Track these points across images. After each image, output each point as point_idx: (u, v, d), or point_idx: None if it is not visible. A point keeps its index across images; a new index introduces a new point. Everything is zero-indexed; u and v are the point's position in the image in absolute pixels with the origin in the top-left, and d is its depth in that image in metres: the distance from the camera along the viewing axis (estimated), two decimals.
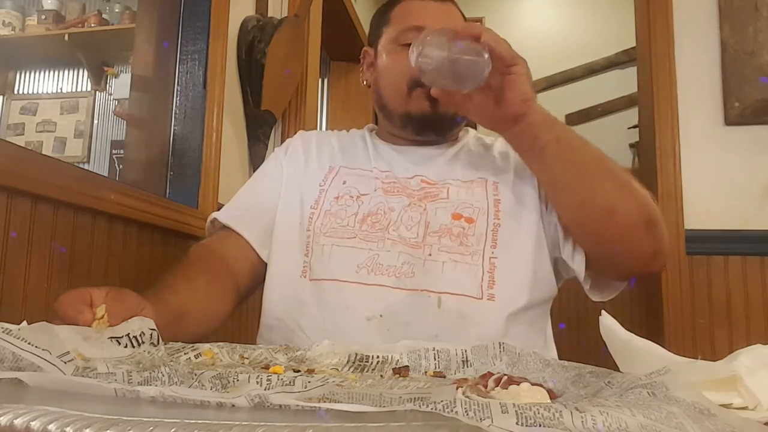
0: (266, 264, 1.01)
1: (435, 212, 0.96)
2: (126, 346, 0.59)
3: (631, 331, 0.53)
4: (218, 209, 1.41)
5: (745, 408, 0.42)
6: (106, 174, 2.77)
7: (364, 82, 1.12)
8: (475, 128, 1.17)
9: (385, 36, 1.07)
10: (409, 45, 1.00)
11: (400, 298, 0.89)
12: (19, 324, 0.56)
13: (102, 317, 0.62)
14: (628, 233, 0.87)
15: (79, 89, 3.04)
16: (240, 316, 1.06)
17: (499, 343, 0.61)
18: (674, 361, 0.47)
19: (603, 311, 0.52)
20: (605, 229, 0.88)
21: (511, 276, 0.92)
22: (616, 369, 0.49)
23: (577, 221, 0.92)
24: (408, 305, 0.89)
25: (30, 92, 3.09)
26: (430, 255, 0.92)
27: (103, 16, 2.87)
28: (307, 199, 1.02)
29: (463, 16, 1.09)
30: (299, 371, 0.55)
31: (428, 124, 1.02)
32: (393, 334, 0.86)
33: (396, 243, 0.93)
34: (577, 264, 0.93)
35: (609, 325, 0.52)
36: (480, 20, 4.00)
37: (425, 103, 0.99)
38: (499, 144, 1.07)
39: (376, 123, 1.18)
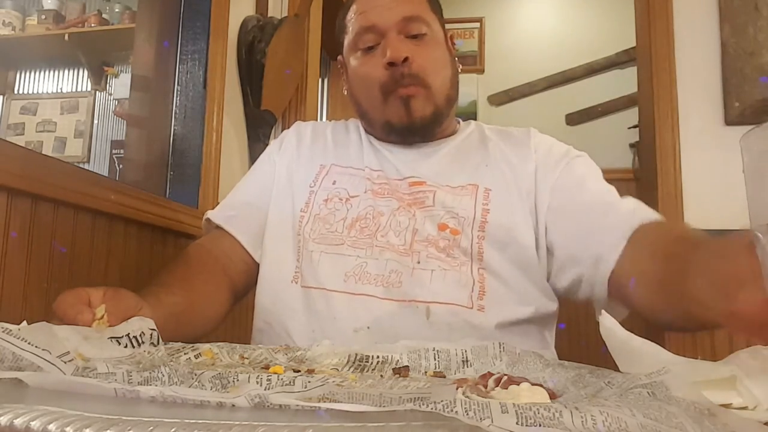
0: (259, 265, 1.01)
1: (423, 222, 0.93)
2: (126, 346, 0.59)
3: (631, 331, 0.53)
4: None
5: (744, 408, 0.42)
6: (106, 174, 2.77)
7: (344, 92, 1.09)
8: (475, 118, 1.14)
9: (345, 44, 1.03)
10: (366, 48, 0.98)
11: (388, 309, 0.87)
12: (19, 324, 0.56)
13: (102, 317, 0.62)
14: None
15: (79, 89, 3.05)
16: (238, 318, 1.06)
17: (499, 343, 0.61)
18: (674, 361, 0.47)
19: (603, 311, 0.52)
20: None
21: (501, 290, 0.90)
22: (616, 369, 0.49)
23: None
24: (395, 317, 0.87)
25: (30, 92, 3.09)
26: (418, 263, 0.90)
27: (103, 15, 2.87)
28: (297, 201, 1.00)
29: None
30: (299, 371, 0.55)
31: (408, 130, 0.99)
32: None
33: (384, 250, 0.91)
34: (617, 315, 0.89)
35: (608, 325, 0.51)
36: (480, 20, 4.00)
37: (401, 110, 0.96)
38: (497, 143, 1.03)
39: None
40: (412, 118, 0.97)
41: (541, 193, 0.96)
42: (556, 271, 0.94)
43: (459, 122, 1.10)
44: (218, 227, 1.02)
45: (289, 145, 1.08)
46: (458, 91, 1.05)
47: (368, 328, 0.87)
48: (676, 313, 0.71)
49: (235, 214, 1.03)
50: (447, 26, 1.07)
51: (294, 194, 1.02)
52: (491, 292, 0.89)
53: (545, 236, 0.94)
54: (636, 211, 0.88)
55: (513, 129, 1.07)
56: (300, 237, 0.97)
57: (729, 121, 1.87)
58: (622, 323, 0.53)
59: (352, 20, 1.01)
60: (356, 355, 0.63)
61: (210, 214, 1.04)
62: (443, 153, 1.02)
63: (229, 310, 0.98)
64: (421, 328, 0.86)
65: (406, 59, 0.94)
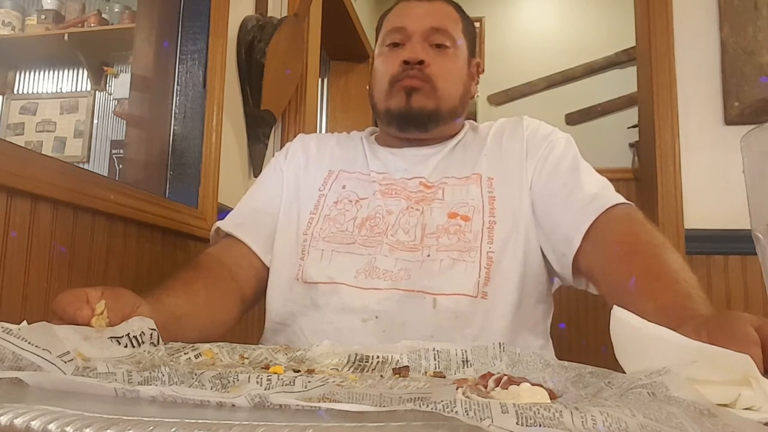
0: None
1: (431, 213, 0.96)
2: (126, 346, 0.59)
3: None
4: (218, 209, 1.41)
5: (749, 408, 0.42)
6: (106, 174, 2.77)
7: (367, 87, 1.14)
8: (475, 119, 1.17)
9: (378, 40, 1.10)
10: (393, 46, 1.05)
11: (396, 299, 0.90)
12: (19, 324, 0.56)
13: (102, 313, 0.62)
14: None
15: (78, 89, 3.04)
16: (242, 318, 1.06)
17: (499, 343, 0.61)
18: (692, 347, 0.46)
19: (615, 306, 0.52)
20: None
21: (507, 271, 0.92)
22: (616, 369, 0.49)
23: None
24: (403, 306, 0.89)
25: (30, 92, 3.09)
26: (428, 256, 0.92)
27: (103, 15, 2.87)
28: (306, 204, 1.03)
29: (461, 12, 1.09)
30: (299, 371, 0.55)
31: (406, 118, 1.02)
32: (388, 335, 0.87)
33: (394, 249, 0.93)
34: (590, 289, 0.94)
35: (621, 316, 0.51)
36: (480, 20, 4.00)
37: (402, 97, 1.01)
38: (491, 134, 1.06)
39: (376, 124, 1.19)
40: (410, 106, 1.01)
41: (528, 171, 1.00)
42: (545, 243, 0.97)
43: (464, 124, 1.13)
44: (227, 235, 1.03)
45: (295, 155, 1.11)
46: (465, 110, 1.09)
47: (376, 317, 0.89)
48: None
49: (244, 221, 1.05)
50: None
51: (301, 199, 1.04)
52: (496, 276, 0.91)
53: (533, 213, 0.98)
54: (597, 197, 0.91)
55: (505, 119, 1.11)
56: (307, 236, 0.99)
57: (729, 121, 1.87)
58: None
59: (389, 19, 1.09)
60: (356, 355, 0.63)
61: (219, 224, 1.06)
62: (444, 153, 1.05)
63: (240, 316, 0.99)
64: (427, 316, 0.89)
65: (422, 62, 1.00)
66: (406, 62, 1.00)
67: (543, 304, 0.98)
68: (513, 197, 0.97)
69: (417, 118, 1.02)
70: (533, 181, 0.99)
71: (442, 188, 0.99)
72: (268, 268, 1.02)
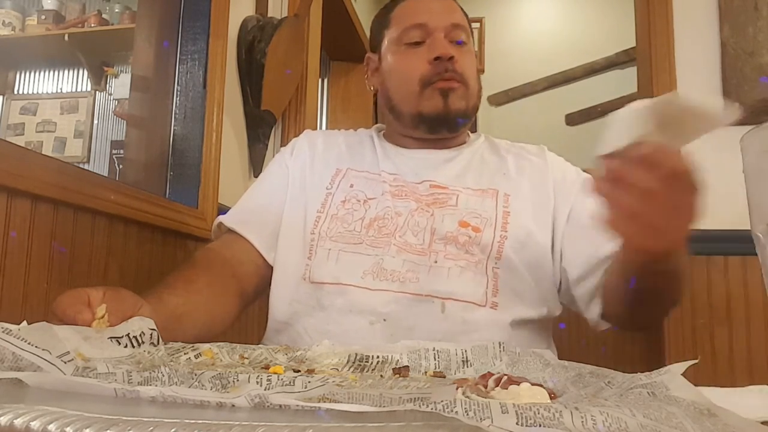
0: (272, 267, 1.01)
1: (442, 219, 0.95)
2: (126, 346, 0.59)
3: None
4: (218, 209, 1.41)
5: None
6: (106, 174, 2.77)
7: (371, 88, 1.12)
8: (475, 130, 1.17)
9: (387, 38, 1.06)
10: (412, 44, 1.02)
11: (404, 302, 0.89)
12: (19, 324, 0.56)
13: (102, 317, 0.62)
14: (660, 318, 0.90)
15: (79, 89, 3.05)
16: (242, 317, 1.06)
17: (499, 343, 0.61)
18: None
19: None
20: (647, 317, 0.88)
21: (514, 289, 0.92)
22: (616, 369, 0.49)
23: (628, 313, 0.87)
24: (412, 309, 0.89)
25: (30, 92, 3.09)
26: (436, 262, 0.91)
27: (103, 16, 2.87)
28: (312, 202, 1.01)
29: (463, 12, 1.09)
30: (299, 371, 0.55)
31: (442, 121, 1.01)
32: (396, 338, 0.86)
33: (401, 250, 0.92)
34: (591, 314, 0.94)
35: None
36: (480, 20, 4.00)
37: (438, 101, 0.99)
38: (513, 156, 1.06)
39: (376, 123, 1.18)
40: (448, 108, 1.00)
41: (559, 210, 0.98)
42: (571, 284, 0.96)
43: (469, 134, 1.12)
44: (230, 231, 1.02)
45: (301, 151, 1.09)
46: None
47: (384, 320, 0.89)
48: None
49: (247, 217, 1.04)
50: None
51: (308, 197, 1.03)
52: (505, 290, 0.91)
53: (561, 251, 0.97)
54: None
55: (525, 145, 1.10)
56: (314, 235, 0.97)
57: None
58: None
59: (400, 17, 1.05)
60: (356, 355, 0.63)
61: (221, 218, 1.05)
62: (459, 159, 1.04)
63: (239, 313, 0.98)
64: (436, 321, 0.88)
65: (452, 58, 0.99)
66: (437, 58, 0.98)
67: (552, 318, 0.98)
68: (530, 219, 0.97)
69: (453, 118, 1.01)
70: (571, 217, 0.98)
71: (456, 195, 0.98)
72: (270, 266, 1.01)
